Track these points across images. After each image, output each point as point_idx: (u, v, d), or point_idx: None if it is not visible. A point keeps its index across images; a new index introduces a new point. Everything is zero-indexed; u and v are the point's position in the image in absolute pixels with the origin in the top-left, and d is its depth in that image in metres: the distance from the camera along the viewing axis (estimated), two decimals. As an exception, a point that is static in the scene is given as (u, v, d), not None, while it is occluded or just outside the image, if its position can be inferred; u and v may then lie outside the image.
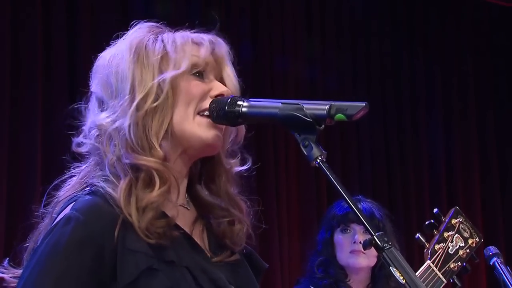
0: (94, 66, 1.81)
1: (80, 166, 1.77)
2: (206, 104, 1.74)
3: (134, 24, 1.83)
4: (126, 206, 1.63)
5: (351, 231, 3.41)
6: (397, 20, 5.80)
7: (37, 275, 1.61)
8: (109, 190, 1.66)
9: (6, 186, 4.13)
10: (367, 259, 3.39)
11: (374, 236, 1.56)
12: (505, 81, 6.15)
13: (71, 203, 1.67)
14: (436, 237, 2.74)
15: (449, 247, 2.73)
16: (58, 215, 1.68)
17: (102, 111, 1.74)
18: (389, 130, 5.61)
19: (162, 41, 1.75)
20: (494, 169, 5.98)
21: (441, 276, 2.68)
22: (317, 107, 1.64)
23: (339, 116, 1.62)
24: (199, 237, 1.79)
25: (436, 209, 2.80)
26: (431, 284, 2.67)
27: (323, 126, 1.64)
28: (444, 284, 2.69)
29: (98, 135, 1.72)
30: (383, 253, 1.55)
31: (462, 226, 2.79)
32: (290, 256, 4.99)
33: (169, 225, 1.66)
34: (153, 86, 1.69)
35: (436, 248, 2.72)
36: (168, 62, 1.72)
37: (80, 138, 1.77)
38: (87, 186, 1.71)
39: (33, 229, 1.76)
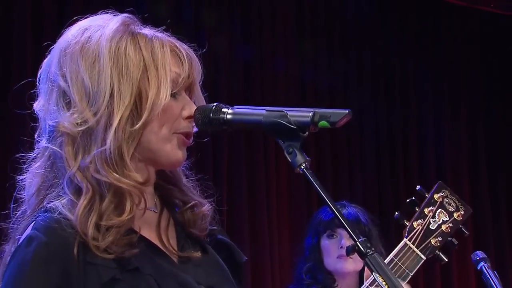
0: (58, 48, 1.73)
1: (33, 167, 1.72)
2: (180, 125, 1.73)
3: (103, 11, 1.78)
4: (82, 225, 1.61)
5: (337, 236, 3.43)
6: (388, 24, 5.81)
7: None
8: (65, 211, 1.63)
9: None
10: (354, 263, 3.40)
11: (357, 242, 1.58)
12: (495, 84, 6.19)
13: (31, 222, 1.66)
14: (416, 214, 2.67)
15: (430, 223, 2.66)
16: (21, 236, 1.67)
17: (67, 109, 1.68)
18: (380, 132, 5.64)
19: (141, 49, 1.70)
20: (483, 175, 6.03)
21: (419, 252, 2.61)
22: (301, 114, 1.65)
23: (323, 123, 1.64)
24: (167, 236, 1.78)
25: (419, 186, 2.74)
26: (408, 262, 2.60)
27: (307, 133, 1.65)
28: (423, 260, 2.62)
29: (62, 140, 1.68)
30: (366, 259, 1.57)
31: (447, 200, 2.70)
32: (281, 260, 5.02)
33: (131, 242, 1.64)
34: (129, 105, 1.66)
35: (414, 225, 2.65)
36: (149, 80, 1.68)
37: (40, 139, 1.73)
38: (45, 204, 1.68)
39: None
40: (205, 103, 1.80)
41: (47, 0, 4.45)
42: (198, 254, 1.80)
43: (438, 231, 2.67)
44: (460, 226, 2.69)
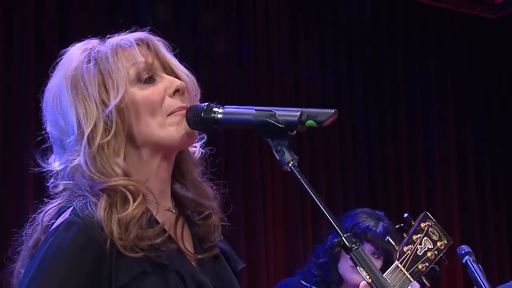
0: (43, 103, 1.82)
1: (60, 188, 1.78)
2: (171, 104, 1.77)
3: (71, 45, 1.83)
4: (107, 224, 1.65)
5: None
6: (378, 26, 5.92)
7: (40, 278, 1.63)
8: (92, 211, 1.67)
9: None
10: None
11: (343, 237, 1.62)
12: (481, 85, 6.36)
13: (68, 208, 1.70)
14: (405, 240, 2.83)
15: (417, 249, 2.82)
16: (56, 220, 1.70)
17: (64, 152, 1.76)
18: (371, 131, 5.73)
19: (96, 63, 1.75)
20: (471, 173, 6.16)
21: (409, 276, 2.77)
22: (289, 113, 1.69)
23: (310, 122, 1.67)
24: (185, 239, 1.83)
25: (407, 214, 2.88)
26: (399, 283, 2.75)
27: (294, 132, 1.69)
28: (411, 283, 2.77)
29: (67, 175, 1.74)
30: (351, 253, 1.61)
31: (431, 230, 2.87)
32: (276, 260, 5.08)
33: (156, 234, 1.69)
34: (100, 118, 1.71)
35: (404, 250, 2.81)
36: (107, 88, 1.74)
37: (54, 181, 1.78)
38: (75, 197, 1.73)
39: (21, 246, 1.78)
40: (186, 70, 1.84)
41: (47, 5, 4.51)
42: (213, 253, 1.85)
43: (425, 257, 2.83)
44: (441, 255, 2.85)
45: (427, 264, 2.81)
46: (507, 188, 6.31)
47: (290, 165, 1.66)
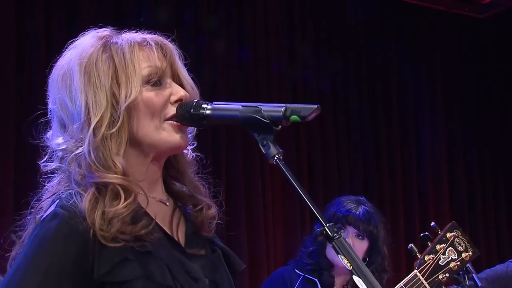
0: (49, 80, 1.87)
1: (52, 180, 1.83)
2: (169, 111, 1.82)
3: (84, 33, 1.87)
4: (90, 215, 1.70)
5: (344, 232, 3.54)
6: (371, 27, 6.03)
7: (25, 267, 1.68)
8: (77, 202, 1.72)
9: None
10: None
11: (325, 227, 1.68)
12: (470, 82, 6.48)
13: (56, 201, 1.75)
14: (428, 249, 2.82)
15: (440, 259, 2.80)
16: (45, 213, 1.76)
17: (64, 132, 1.81)
18: (365, 130, 5.83)
19: (111, 56, 1.80)
20: (460, 172, 6.31)
21: (427, 285, 2.76)
22: (274, 109, 1.75)
23: (294, 117, 1.73)
24: (176, 230, 1.88)
25: (433, 223, 2.87)
26: None
27: (280, 126, 1.75)
28: None
29: (62, 157, 1.80)
30: (333, 242, 1.67)
31: (457, 240, 2.84)
32: (276, 254, 5.15)
33: (144, 225, 1.73)
34: (107, 110, 1.76)
35: (426, 259, 2.80)
36: (119, 82, 1.78)
37: (46, 160, 1.84)
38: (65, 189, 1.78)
39: (17, 237, 1.82)
40: (192, 83, 1.90)
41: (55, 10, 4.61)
42: (203, 252, 1.89)
43: (447, 268, 2.81)
44: (467, 265, 2.85)
45: (448, 274, 2.79)
46: (494, 183, 6.45)
47: (275, 158, 1.72)
